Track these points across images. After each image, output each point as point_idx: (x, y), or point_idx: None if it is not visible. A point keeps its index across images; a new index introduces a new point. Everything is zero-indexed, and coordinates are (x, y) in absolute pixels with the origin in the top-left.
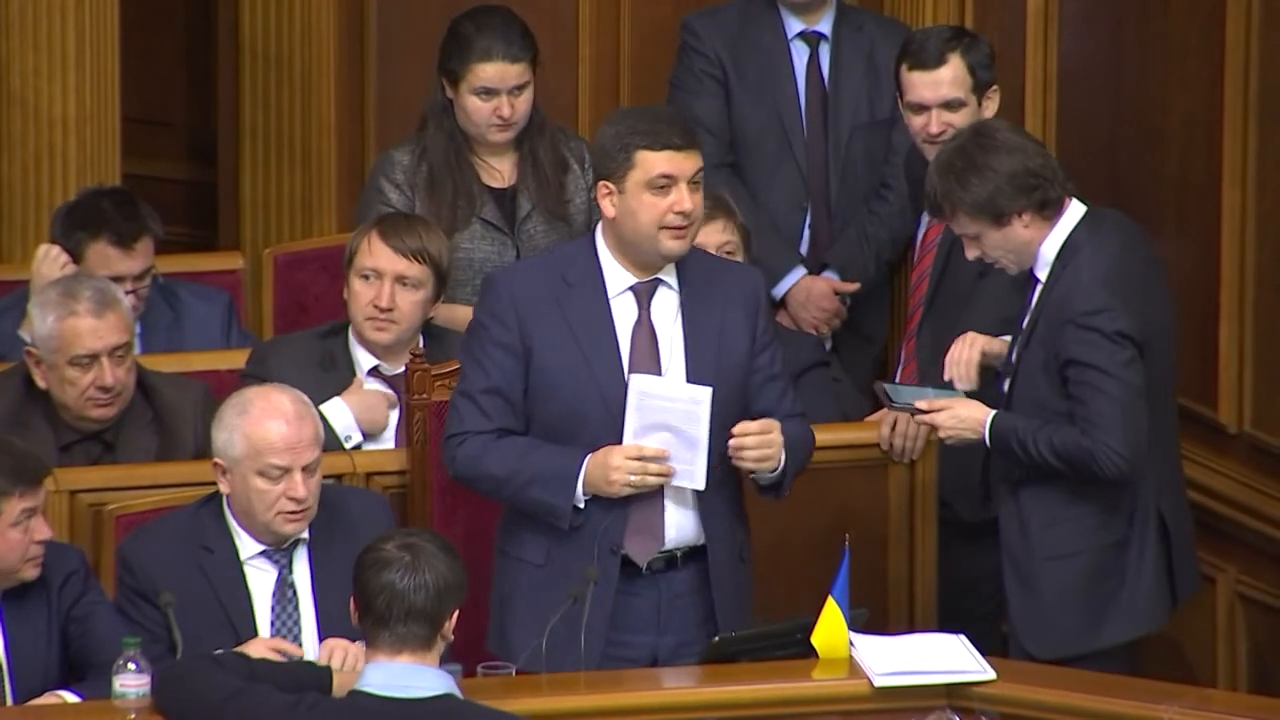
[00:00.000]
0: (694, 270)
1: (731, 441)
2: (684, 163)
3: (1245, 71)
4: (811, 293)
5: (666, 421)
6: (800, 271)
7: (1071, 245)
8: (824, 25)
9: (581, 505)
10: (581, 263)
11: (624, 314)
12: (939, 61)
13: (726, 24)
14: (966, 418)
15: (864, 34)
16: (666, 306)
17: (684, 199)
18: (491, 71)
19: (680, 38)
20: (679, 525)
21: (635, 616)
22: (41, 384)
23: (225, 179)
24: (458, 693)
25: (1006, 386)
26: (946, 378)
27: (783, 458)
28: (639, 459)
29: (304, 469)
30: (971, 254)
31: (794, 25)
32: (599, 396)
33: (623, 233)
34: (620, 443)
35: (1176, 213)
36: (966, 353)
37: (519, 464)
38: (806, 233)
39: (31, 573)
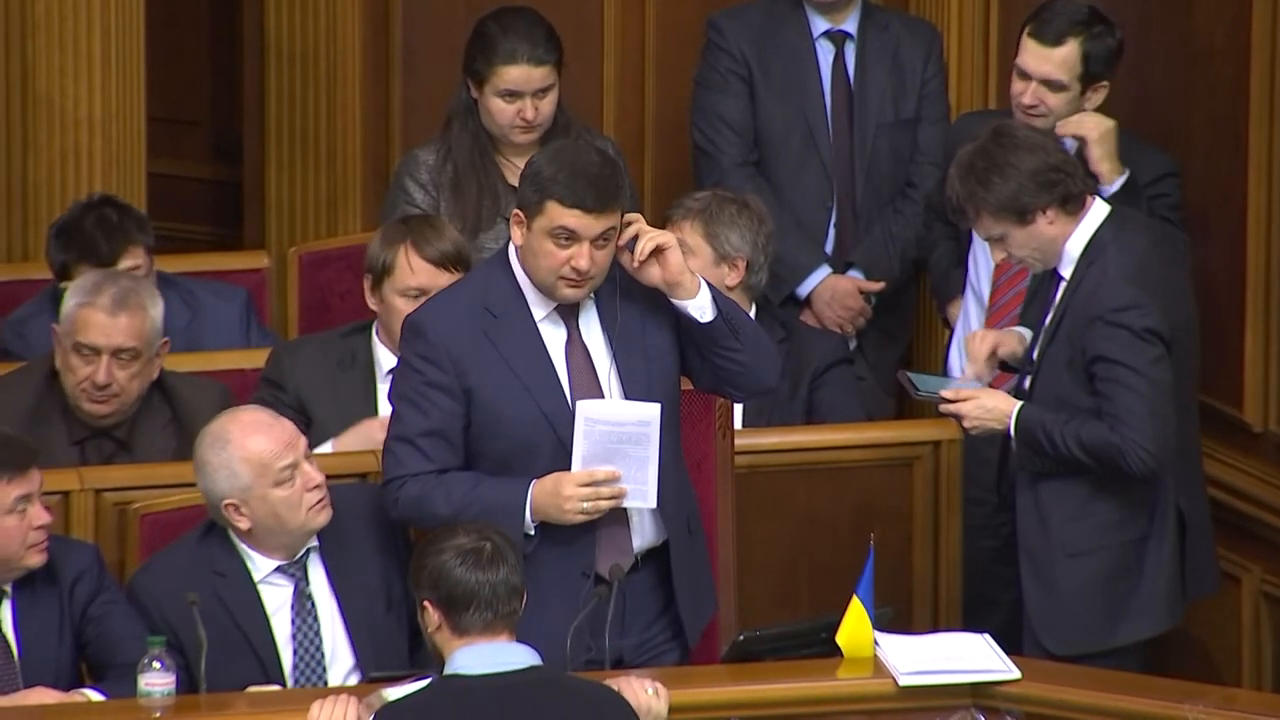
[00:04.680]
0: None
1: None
2: (592, 224)
3: (1271, 72)
4: (836, 291)
5: (616, 444)
6: (825, 270)
7: (1097, 243)
8: (849, 24)
9: (532, 533)
10: (501, 289)
11: (554, 336)
12: (1057, 41)
13: (752, 23)
14: (993, 408)
15: (889, 33)
16: (592, 321)
17: (583, 256)
18: (516, 74)
19: (705, 36)
20: (642, 534)
21: (601, 621)
22: (58, 364)
23: (250, 178)
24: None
25: (1028, 383)
26: (966, 373)
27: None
28: (590, 485)
29: (307, 459)
30: (998, 257)
31: (819, 24)
32: (547, 425)
33: (525, 267)
34: (571, 467)
35: (1201, 213)
36: (980, 347)
37: (465, 499)
38: (831, 231)
39: (36, 559)
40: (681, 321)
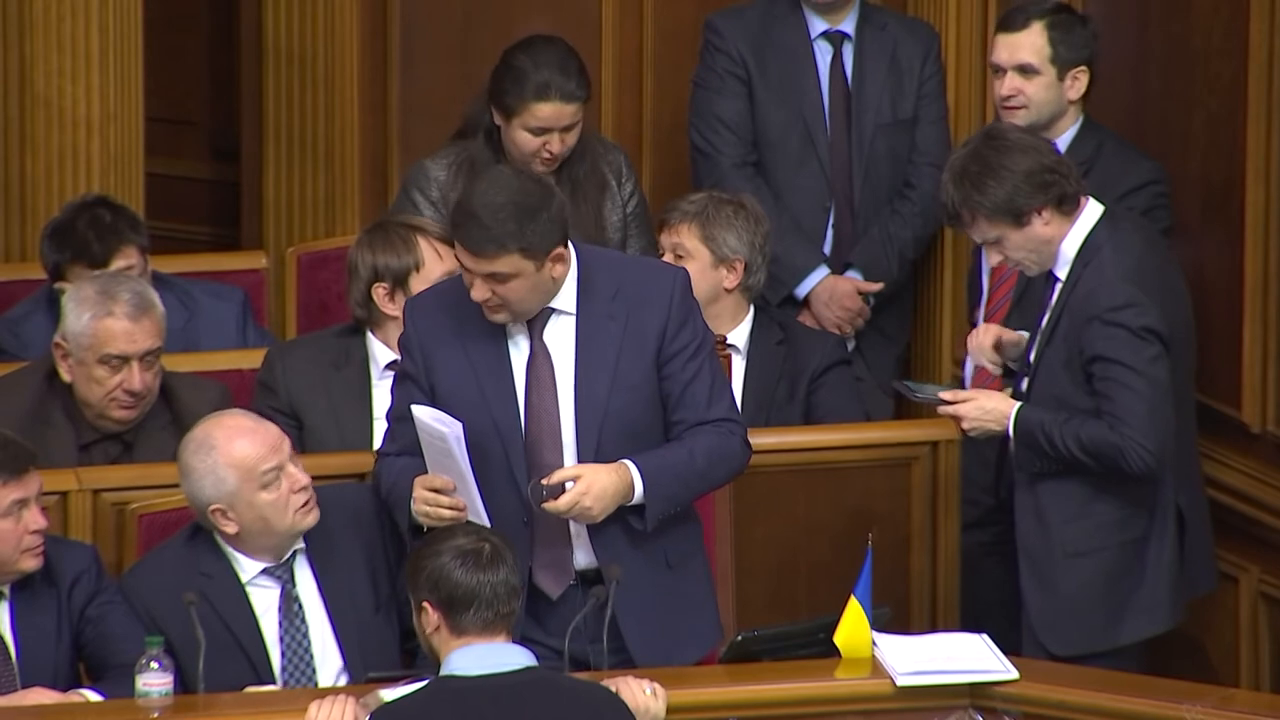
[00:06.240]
0: (600, 283)
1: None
2: (472, 263)
3: (1269, 71)
4: (835, 292)
5: (441, 456)
6: (824, 271)
7: (1092, 243)
8: (847, 25)
9: (422, 527)
10: None
11: (521, 347)
12: (1022, 26)
13: (750, 23)
14: (991, 409)
15: (887, 34)
16: (562, 333)
17: (475, 289)
18: (548, 111)
19: (703, 37)
20: (585, 552)
21: (557, 621)
22: (67, 377)
23: (248, 178)
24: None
25: (1025, 385)
26: (972, 368)
27: (637, 493)
28: (432, 490)
29: (292, 460)
30: (994, 260)
31: (817, 25)
32: (496, 434)
33: None
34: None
35: (1200, 212)
36: (986, 339)
37: (391, 484)
38: (830, 232)
39: (31, 563)
40: (661, 367)
